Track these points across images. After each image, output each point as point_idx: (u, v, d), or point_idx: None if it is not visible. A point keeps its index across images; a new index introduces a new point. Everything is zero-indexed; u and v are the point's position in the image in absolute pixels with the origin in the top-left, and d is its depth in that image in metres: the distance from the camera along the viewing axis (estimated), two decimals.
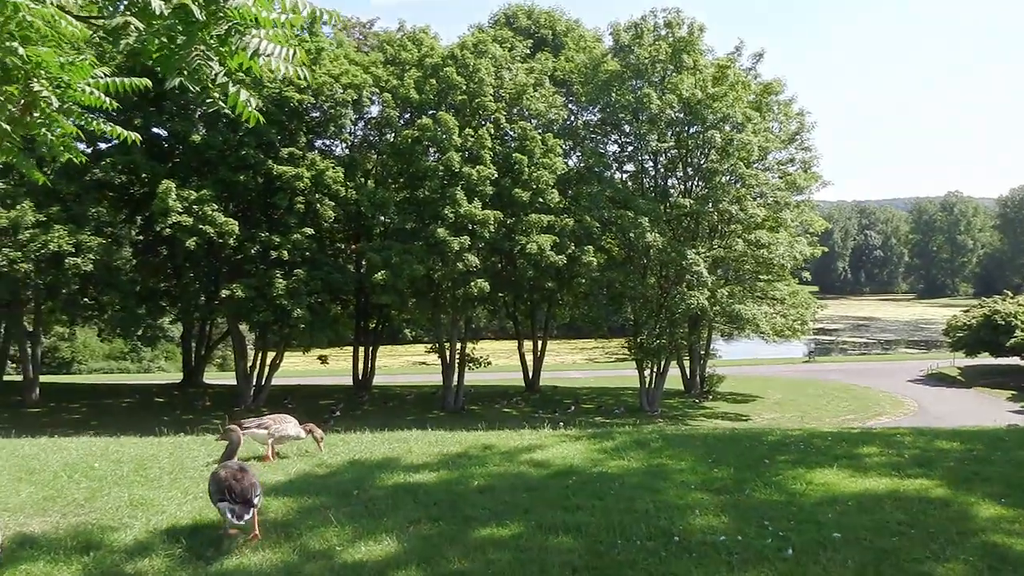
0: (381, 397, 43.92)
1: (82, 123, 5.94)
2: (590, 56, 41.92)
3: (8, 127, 5.37)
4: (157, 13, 4.09)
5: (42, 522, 6.40)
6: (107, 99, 5.76)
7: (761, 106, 41.04)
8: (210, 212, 32.75)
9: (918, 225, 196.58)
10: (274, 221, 36.23)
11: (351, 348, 46.81)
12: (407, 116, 38.89)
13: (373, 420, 36.44)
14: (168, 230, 32.76)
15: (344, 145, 41.19)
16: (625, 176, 43.77)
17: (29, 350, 39.08)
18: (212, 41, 4.22)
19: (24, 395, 38.11)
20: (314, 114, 38.04)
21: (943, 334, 63.57)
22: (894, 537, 5.71)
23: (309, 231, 34.94)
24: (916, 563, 5.23)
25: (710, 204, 38.48)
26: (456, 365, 40.39)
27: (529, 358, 48.73)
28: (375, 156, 41.40)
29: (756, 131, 38.55)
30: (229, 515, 5.69)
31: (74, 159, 6.20)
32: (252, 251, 34.49)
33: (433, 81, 37.58)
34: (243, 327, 41.51)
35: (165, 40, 4.16)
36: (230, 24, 4.21)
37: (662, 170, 42.20)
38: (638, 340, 39.32)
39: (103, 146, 36.63)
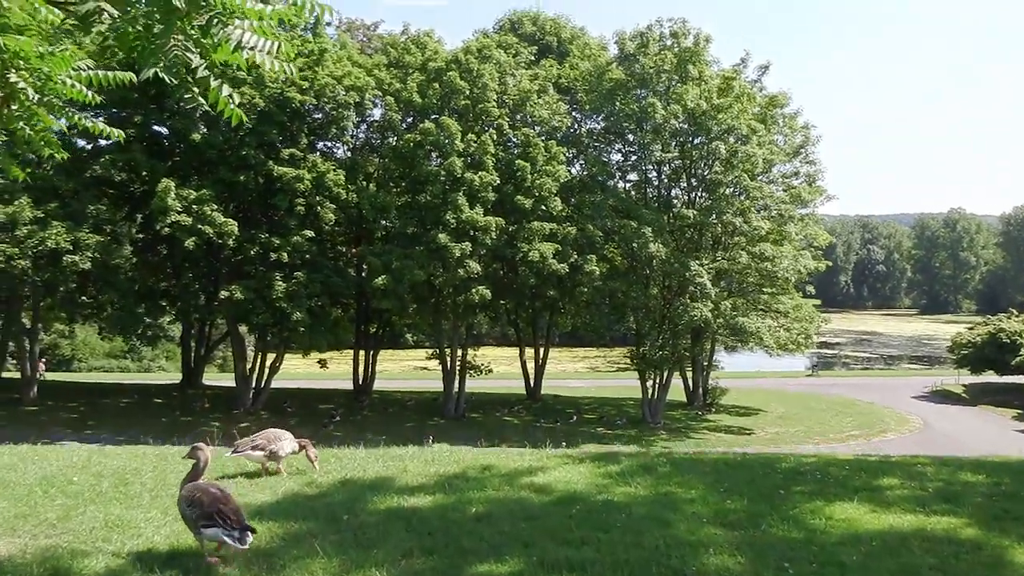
0: (381, 403, 43.53)
1: (63, 118, 5.59)
2: (595, 64, 41.61)
3: None
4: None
5: (9, 544, 6.00)
6: (89, 92, 5.39)
7: (766, 118, 40.69)
8: (209, 212, 32.43)
9: (921, 241, 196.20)
10: (274, 223, 35.90)
11: (351, 351, 46.42)
12: (409, 120, 38.55)
13: (373, 426, 36.19)
14: (167, 229, 32.43)
15: (346, 147, 40.90)
16: (628, 186, 43.49)
17: (27, 347, 38.69)
18: (193, 32, 3.85)
19: (22, 393, 37.70)
20: (316, 115, 37.73)
21: (948, 351, 63.11)
22: None
23: (309, 233, 34.59)
24: None
25: (714, 216, 38.11)
26: (457, 372, 40.00)
27: (530, 366, 48.32)
28: (377, 159, 41.07)
29: (761, 143, 38.18)
30: (230, 541, 5.30)
31: (55, 155, 5.81)
32: (252, 252, 34.11)
33: (436, 85, 37.27)
34: (243, 329, 41.14)
35: (141, 29, 3.79)
36: (212, 14, 3.83)
37: (666, 180, 41.86)
38: (640, 351, 38.91)
39: (103, 143, 36.36)
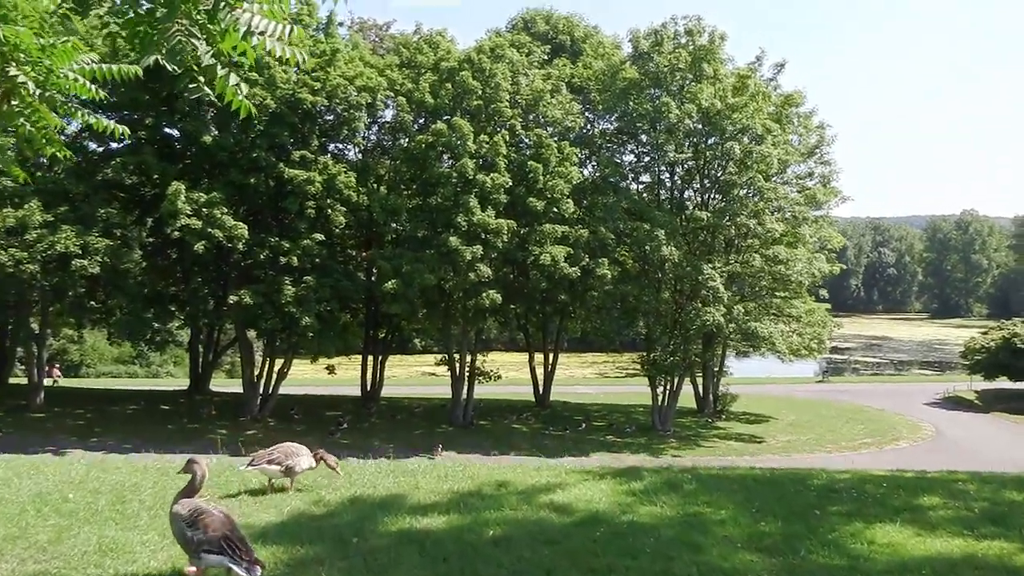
0: (389, 409, 43.17)
1: (66, 114, 5.26)
2: (608, 63, 41.20)
3: None
4: None
5: None
6: (93, 87, 5.06)
7: (781, 118, 40.15)
8: (219, 215, 32.15)
9: (932, 243, 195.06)
10: (284, 226, 35.60)
11: (359, 357, 46.09)
12: (421, 121, 38.24)
13: (380, 434, 35.85)
14: (177, 233, 32.16)
15: (357, 149, 40.62)
16: (641, 187, 43.04)
17: (35, 352, 38.49)
18: (199, 16, 3.51)
19: (29, 399, 37.49)
20: (327, 117, 37.41)
21: (961, 356, 62.44)
22: None
23: (319, 237, 34.28)
24: None
25: (727, 218, 37.63)
26: (466, 378, 39.59)
27: (539, 371, 47.88)
28: (388, 161, 40.74)
29: (776, 143, 37.66)
30: (238, 570, 4.95)
31: (58, 154, 5.48)
32: (261, 256, 33.80)
33: (449, 85, 36.93)
34: (251, 334, 40.87)
35: (143, 12, 3.46)
36: None
37: (679, 182, 41.41)
38: (651, 356, 38.45)
39: (114, 146, 36.21)
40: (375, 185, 38.15)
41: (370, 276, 38.48)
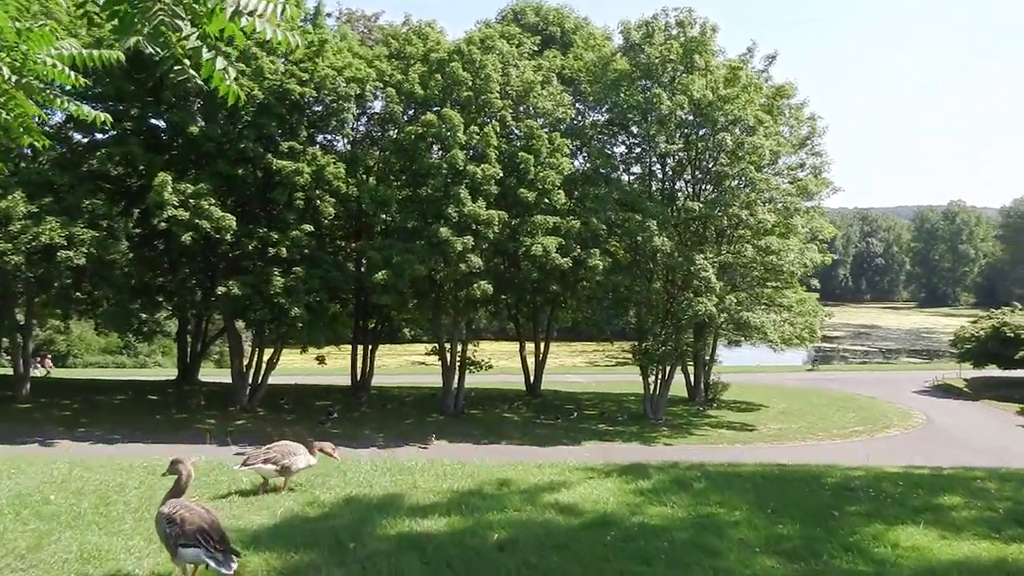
0: (379, 399, 43.01)
1: (44, 101, 5.04)
2: (599, 55, 41.02)
3: None
4: None
5: None
6: (72, 74, 4.85)
7: (772, 109, 40.09)
8: (207, 206, 31.82)
9: (920, 233, 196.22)
10: (273, 217, 35.29)
11: (349, 347, 45.89)
12: (411, 112, 37.91)
13: (371, 423, 35.73)
14: (164, 224, 31.85)
15: (346, 140, 40.24)
16: (632, 178, 42.90)
17: (20, 343, 38.13)
18: None
19: (15, 390, 37.16)
20: (316, 108, 37.04)
21: (951, 345, 62.75)
22: None
23: (308, 228, 34.00)
24: None
25: (719, 208, 37.52)
26: (456, 367, 39.47)
27: (530, 361, 47.85)
28: (377, 152, 40.44)
29: (768, 135, 37.57)
30: (213, 564, 4.78)
31: (36, 143, 5.27)
32: (250, 247, 33.51)
33: (438, 76, 36.62)
34: (240, 324, 40.57)
35: None
36: None
37: (670, 173, 41.25)
38: (643, 346, 38.39)
39: (99, 136, 35.81)
40: (364, 176, 37.84)
41: (360, 267, 38.21)
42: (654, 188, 41.03)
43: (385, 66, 37.77)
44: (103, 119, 5.26)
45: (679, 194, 40.89)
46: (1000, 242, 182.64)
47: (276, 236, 33.24)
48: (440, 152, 35.88)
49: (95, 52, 4.81)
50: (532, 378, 47.41)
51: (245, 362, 39.18)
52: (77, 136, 36.36)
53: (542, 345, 48.08)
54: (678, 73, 37.96)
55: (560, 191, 35.90)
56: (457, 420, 37.51)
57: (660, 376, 39.87)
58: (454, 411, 38.71)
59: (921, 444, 35.48)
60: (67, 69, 4.73)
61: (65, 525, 6.65)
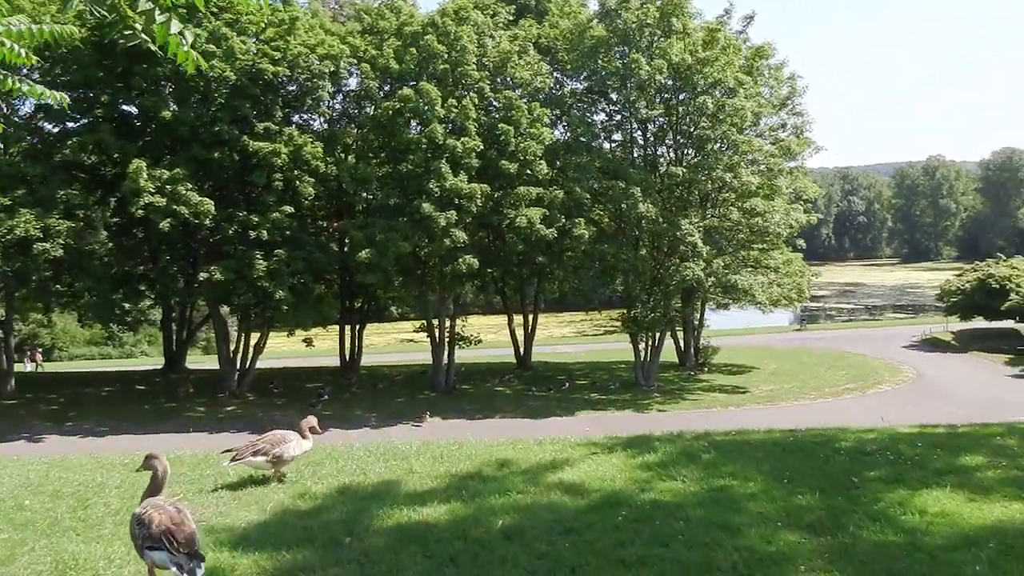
0: (369, 378, 42.83)
1: None
2: (575, 22, 40.47)
3: None
4: None
5: None
6: (23, 52, 4.51)
7: (752, 70, 39.85)
8: (184, 192, 31.28)
9: (901, 190, 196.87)
10: (252, 200, 34.78)
11: (337, 328, 45.57)
12: (387, 88, 37.33)
13: (362, 403, 35.59)
14: (141, 211, 31.27)
15: (322, 119, 39.62)
16: (614, 146, 42.54)
17: (2, 338, 37.58)
18: None
19: None
20: (290, 87, 36.36)
21: (937, 299, 63.05)
22: None
23: (289, 209, 33.52)
24: None
25: (703, 172, 37.26)
26: (445, 344, 39.26)
27: (519, 333, 47.73)
28: (355, 130, 39.87)
29: (748, 96, 37.24)
30: (176, 571, 4.52)
31: None
32: (230, 232, 33.03)
33: (413, 50, 36.02)
34: (224, 310, 40.16)
35: None
36: None
37: (652, 139, 40.91)
38: (632, 313, 38.29)
39: (70, 125, 35.11)
40: (343, 155, 37.28)
41: (343, 247, 37.83)
42: (636, 155, 40.71)
43: (359, 42, 37.13)
44: (59, 98, 4.94)
45: (662, 160, 40.63)
46: (980, 195, 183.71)
47: (256, 219, 32.75)
48: (419, 127, 35.40)
49: (46, 28, 4.48)
50: (522, 351, 47.32)
51: (232, 348, 38.82)
52: (47, 126, 35.64)
53: (530, 317, 47.94)
54: (656, 37, 37.51)
55: (542, 161, 35.52)
56: (449, 396, 37.40)
57: (650, 343, 39.85)
58: (445, 387, 38.57)
59: (915, 398, 35.74)
60: (15, 46, 4.41)
61: (40, 533, 6.27)
